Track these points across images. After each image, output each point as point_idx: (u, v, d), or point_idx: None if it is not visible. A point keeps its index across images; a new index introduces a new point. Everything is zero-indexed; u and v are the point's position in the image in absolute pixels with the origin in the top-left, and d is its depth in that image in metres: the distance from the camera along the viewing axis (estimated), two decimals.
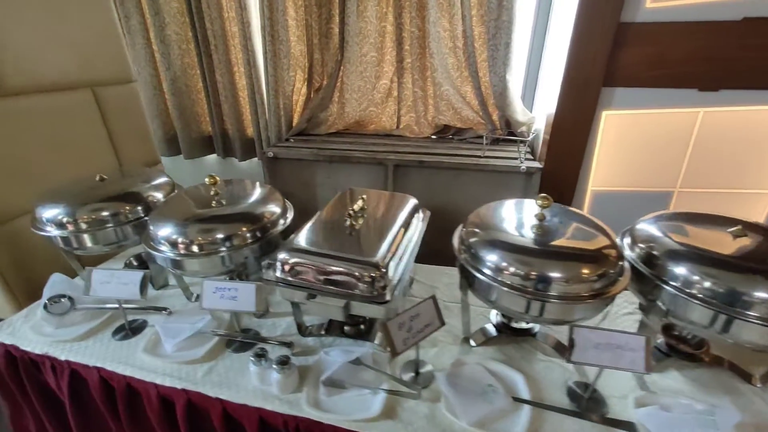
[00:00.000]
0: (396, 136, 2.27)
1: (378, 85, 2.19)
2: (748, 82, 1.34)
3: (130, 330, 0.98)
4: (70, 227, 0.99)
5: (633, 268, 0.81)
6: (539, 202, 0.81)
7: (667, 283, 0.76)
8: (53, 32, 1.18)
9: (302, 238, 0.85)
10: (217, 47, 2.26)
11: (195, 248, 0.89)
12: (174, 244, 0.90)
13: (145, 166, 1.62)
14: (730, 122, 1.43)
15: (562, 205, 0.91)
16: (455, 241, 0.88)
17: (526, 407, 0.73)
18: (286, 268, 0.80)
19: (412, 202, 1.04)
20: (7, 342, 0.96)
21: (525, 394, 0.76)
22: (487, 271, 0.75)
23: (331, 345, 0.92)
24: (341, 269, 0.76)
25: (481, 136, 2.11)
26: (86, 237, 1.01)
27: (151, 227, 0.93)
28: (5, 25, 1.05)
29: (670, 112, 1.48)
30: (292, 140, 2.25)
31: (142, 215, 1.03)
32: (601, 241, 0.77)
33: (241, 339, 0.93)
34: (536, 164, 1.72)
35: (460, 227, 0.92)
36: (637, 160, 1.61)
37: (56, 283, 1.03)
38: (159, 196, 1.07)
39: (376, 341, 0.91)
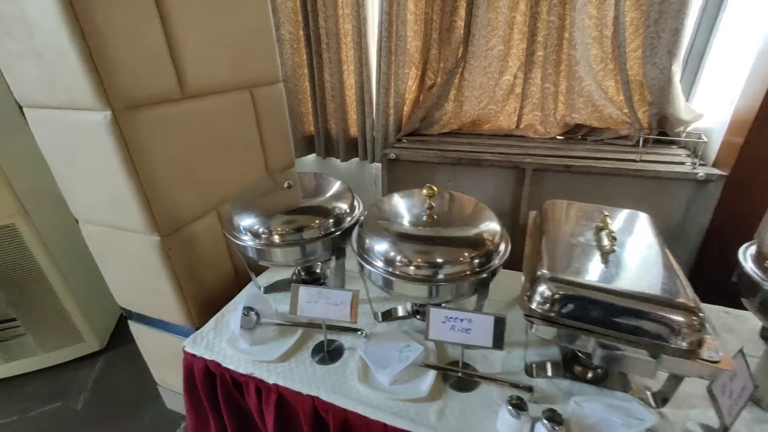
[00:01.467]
0: (517, 137, 2.09)
1: (500, 82, 2.02)
2: None
3: (328, 353, 0.91)
4: (265, 239, 0.93)
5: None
6: None
7: None
8: (220, 33, 1.15)
9: (565, 266, 0.71)
10: (329, 45, 2.21)
11: (440, 274, 0.78)
12: (391, 262, 0.80)
13: (286, 168, 1.58)
14: None
15: None
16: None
17: None
18: (562, 305, 0.67)
19: (646, 218, 0.87)
20: (207, 357, 0.92)
21: None
22: None
23: (569, 391, 0.78)
24: (647, 311, 0.61)
25: (622, 137, 1.88)
26: (278, 251, 0.95)
27: (367, 241, 0.84)
28: (184, 29, 1.01)
29: None
30: (405, 141, 2.14)
31: (333, 230, 0.95)
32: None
33: (469, 376, 0.81)
34: (716, 171, 1.47)
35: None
36: None
37: (250, 296, 0.98)
38: (344, 207, 0.99)
39: (631, 392, 0.76)
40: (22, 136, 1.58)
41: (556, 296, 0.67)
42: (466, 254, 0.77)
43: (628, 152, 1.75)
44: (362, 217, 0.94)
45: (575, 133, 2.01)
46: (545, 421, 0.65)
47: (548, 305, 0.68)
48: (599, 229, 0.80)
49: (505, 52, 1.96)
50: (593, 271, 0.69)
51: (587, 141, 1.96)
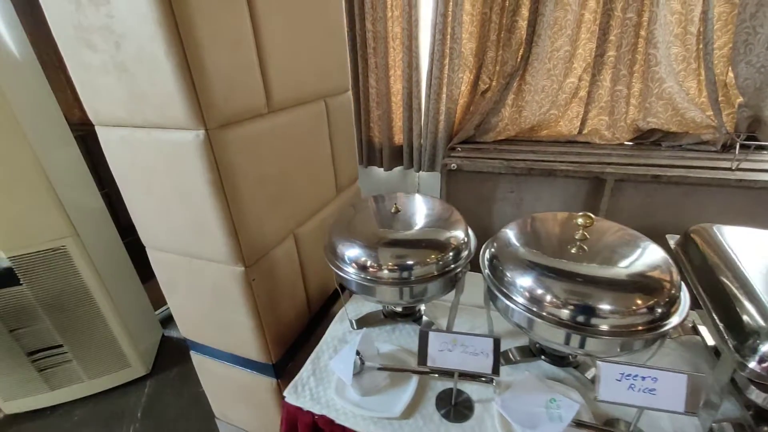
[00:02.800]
0: (581, 143, 1.96)
1: (564, 85, 1.89)
2: None
3: (455, 407, 0.78)
4: (373, 273, 0.82)
5: None
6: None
7: None
8: (302, 38, 1.04)
9: None
10: (377, 50, 2.10)
11: (606, 325, 0.66)
12: (539, 301, 0.68)
13: (351, 183, 1.47)
14: None
15: None
16: None
17: None
18: None
19: None
20: (316, 411, 0.80)
21: None
22: None
23: None
24: None
25: (704, 142, 1.74)
26: (387, 289, 0.83)
27: (507, 274, 0.72)
28: (272, 35, 0.90)
29: None
30: (459, 149, 2.02)
31: (453, 266, 0.83)
32: None
33: None
34: None
35: None
36: None
37: (352, 334, 0.86)
38: (461, 236, 0.87)
39: None
40: (69, 152, 1.51)
41: None
42: (640, 301, 0.65)
43: (715, 159, 1.61)
44: (494, 244, 0.82)
45: (646, 138, 1.88)
46: None
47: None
48: None
49: (572, 53, 1.83)
50: None
51: (661, 147, 1.82)
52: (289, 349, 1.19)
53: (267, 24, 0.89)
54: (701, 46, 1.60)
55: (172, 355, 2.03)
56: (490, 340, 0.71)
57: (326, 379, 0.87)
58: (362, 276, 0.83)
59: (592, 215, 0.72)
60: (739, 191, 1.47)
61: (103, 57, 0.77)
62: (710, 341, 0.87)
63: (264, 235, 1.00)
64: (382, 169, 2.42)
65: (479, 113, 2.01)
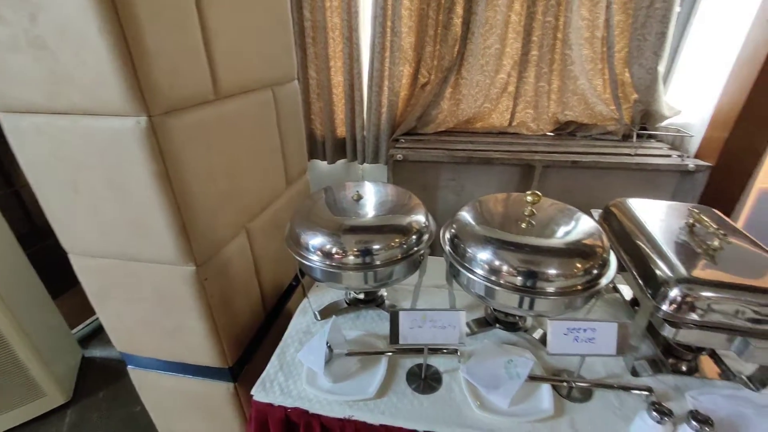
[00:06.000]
0: (510, 134, 2.15)
1: (495, 80, 2.05)
2: None
3: (424, 380, 0.82)
4: (338, 260, 0.82)
5: None
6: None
7: None
8: (248, 23, 0.99)
9: (689, 267, 0.71)
10: (316, 40, 2.06)
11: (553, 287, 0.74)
12: (496, 272, 0.75)
13: (301, 175, 1.44)
14: None
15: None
16: None
17: None
18: (699, 305, 0.67)
19: (715, 212, 0.92)
20: (289, 405, 0.78)
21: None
22: None
23: (674, 385, 0.80)
24: None
25: (608, 132, 2.02)
26: (352, 274, 0.84)
27: (468, 250, 0.78)
28: (218, 17, 0.85)
29: None
30: (403, 140, 2.08)
31: (416, 248, 0.87)
32: None
33: (584, 385, 0.79)
34: (703, 162, 1.63)
35: None
36: None
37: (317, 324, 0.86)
38: (422, 219, 0.91)
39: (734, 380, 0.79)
40: None
41: (697, 299, 0.67)
42: (579, 265, 0.75)
43: (618, 146, 1.88)
44: (454, 226, 0.87)
45: (564, 129, 2.12)
46: (693, 422, 0.65)
47: (685, 308, 0.68)
48: (691, 225, 0.83)
49: (501, 51, 1.98)
50: (715, 268, 0.71)
51: (576, 137, 2.07)
52: (245, 351, 1.14)
53: (211, 4, 0.83)
54: (605, 49, 1.85)
55: (97, 377, 1.80)
56: (457, 313, 0.76)
57: (295, 372, 0.85)
58: (328, 263, 0.83)
59: (539, 193, 0.81)
60: (637, 172, 1.74)
61: (12, 31, 0.65)
62: (627, 296, 1.03)
63: (216, 231, 0.94)
64: (325, 163, 2.39)
65: (420, 106, 2.09)
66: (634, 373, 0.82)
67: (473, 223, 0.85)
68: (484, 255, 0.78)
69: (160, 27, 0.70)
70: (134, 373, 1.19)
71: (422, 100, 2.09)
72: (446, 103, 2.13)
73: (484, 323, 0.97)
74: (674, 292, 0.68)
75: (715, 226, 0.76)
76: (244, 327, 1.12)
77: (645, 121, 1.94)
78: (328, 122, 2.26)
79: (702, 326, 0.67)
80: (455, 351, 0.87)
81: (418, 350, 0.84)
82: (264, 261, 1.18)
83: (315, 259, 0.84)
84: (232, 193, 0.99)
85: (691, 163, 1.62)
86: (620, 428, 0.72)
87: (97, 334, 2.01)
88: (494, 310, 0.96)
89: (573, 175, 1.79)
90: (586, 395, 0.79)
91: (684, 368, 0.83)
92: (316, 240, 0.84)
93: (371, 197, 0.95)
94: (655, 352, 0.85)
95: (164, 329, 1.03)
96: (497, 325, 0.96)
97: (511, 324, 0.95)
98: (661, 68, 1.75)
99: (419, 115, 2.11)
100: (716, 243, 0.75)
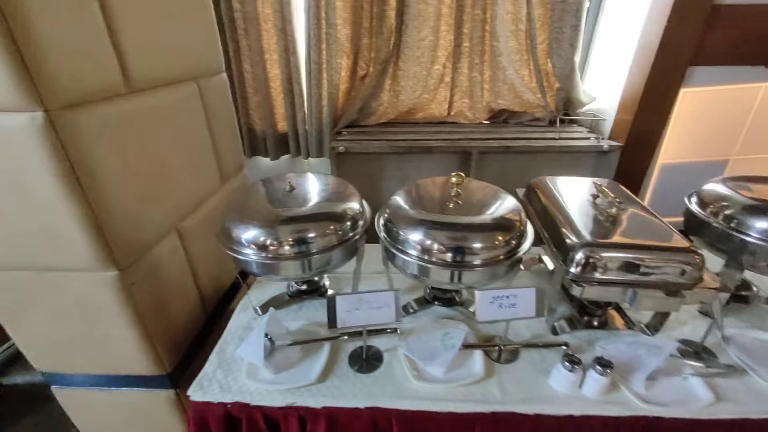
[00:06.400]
0: (450, 123, 2.23)
1: (432, 71, 2.12)
2: None
3: (366, 360, 0.85)
4: (274, 251, 0.82)
5: (707, 224, 0.88)
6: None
7: (748, 235, 0.81)
8: (161, 13, 0.94)
9: (591, 232, 0.80)
10: (248, 31, 1.99)
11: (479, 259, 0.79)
12: (428, 251, 0.80)
13: (238, 171, 1.39)
14: None
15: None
16: None
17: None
18: (603, 266, 0.75)
19: (617, 184, 1.04)
20: (229, 400, 0.77)
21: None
22: None
23: (587, 339, 0.90)
24: (668, 259, 0.74)
25: (537, 119, 2.17)
26: (290, 264, 0.84)
27: (401, 233, 0.81)
28: (120, 7, 0.81)
29: (735, 88, 1.66)
30: (345, 133, 2.09)
31: (351, 234, 0.89)
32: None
33: (511, 347, 0.86)
34: (614, 143, 1.82)
35: None
36: (699, 133, 1.79)
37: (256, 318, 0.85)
38: (356, 206, 0.93)
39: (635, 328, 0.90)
40: None
41: (597, 259, 0.76)
42: (501, 237, 0.81)
43: (545, 131, 2.03)
44: (387, 210, 0.90)
45: (498, 117, 2.24)
46: (597, 367, 0.74)
47: (589, 268, 0.76)
48: (595, 196, 0.93)
49: (435, 43, 2.04)
50: (612, 232, 0.81)
51: (509, 124, 2.20)
52: (185, 355, 1.09)
53: None
54: (529, 41, 1.98)
55: (17, 405, 1.63)
56: (391, 293, 0.79)
57: (235, 368, 0.84)
58: (263, 255, 0.82)
59: (463, 174, 0.86)
60: (562, 154, 1.89)
61: None
62: (551, 267, 1.13)
63: (140, 232, 0.89)
64: (268, 159, 2.33)
65: (360, 98, 2.10)
66: (554, 331, 0.91)
67: (405, 206, 0.89)
68: (415, 236, 0.82)
69: (51, 10, 0.64)
70: (61, 394, 1.10)
71: (362, 92, 2.10)
72: (386, 94, 2.16)
73: (423, 302, 1.02)
74: (579, 256, 0.77)
75: (612, 196, 0.86)
76: (182, 331, 1.08)
77: (567, 108, 2.12)
78: (268, 117, 2.20)
79: (602, 283, 0.77)
80: (395, 330, 0.91)
81: (360, 334, 0.86)
82: (201, 261, 1.14)
83: (249, 253, 0.83)
84: (158, 192, 0.94)
85: (605, 144, 1.80)
86: (542, 381, 0.80)
87: (18, 358, 1.81)
88: (431, 288, 1.00)
89: (507, 160, 1.91)
90: (513, 356, 0.86)
91: (596, 323, 0.93)
92: (248, 233, 0.83)
93: (305, 187, 0.95)
94: (572, 312, 0.95)
95: (92, 341, 0.96)
96: (436, 303, 1.01)
97: (448, 300, 1.00)
98: (577, 58, 1.91)
99: (360, 108, 2.13)
100: (614, 211, 0.84)
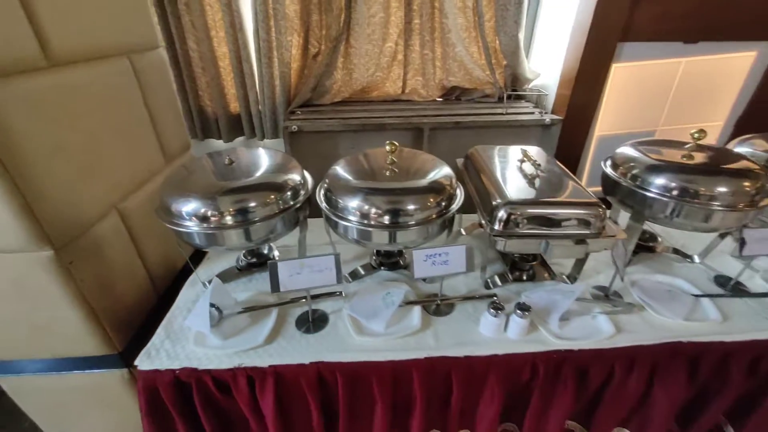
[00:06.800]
0: (405, 101, 2.27)
1: (384, 49, 2.13)
2: (723, 35, 1.72)
3: (313, 322, 0.90)
4: (216, 221, 0.84)
5: (618, 183, 1.00)
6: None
7: (648, 190, 0.92)
8: None
9: (513, 192, 0.88)
10: (190, 6, 1.91)
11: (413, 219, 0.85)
12: (366, 215, 0.85)
13: (183, 151, 1.37)
14: (702, 69, 1.82)
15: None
16: None
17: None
18: (521, 221, 0.83)
19: (541, 150, 1.13)
20: (176, 367, 0.79)
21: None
22: None
23: (517, 291, 0.99)
24: (576, 213, 0.83)
25: (487, 95, 2.25)
26: (233, 233, 0.86)
27: (340, 201, 0.85)
28: None
29: (660, 63, 1.80)
30: (299, 112, 2.08)
31: (292, 203, 0.92)
32: None
33: (447, 302, 0.93)
34: (556, 116, 1.93)
35: None
36: (630, 106, 1.94)
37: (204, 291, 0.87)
38: (297, 177, 0.95)
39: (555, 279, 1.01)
40: None
41: (513, 215, 0.84)
42: (432, 199, 0.87)
43: (494, 107, 2.11)
44: (326, 181, 0.93)
45: (451, 94, 2.30)
46: (518, 311, 0.83)
47: (508, 224, 0.84)
48: (521, 162, 1.01)
49: (386, 20, 2.05)
50: (531, 192, 0.89)
51: (461, 101, 2.27)
52: (138, 334, 1.09)
53: None
54: (476, 18, 2.03)
55: None
56: (331, 256, 0.84)
57: (183, 337, 0.87)
58: (205, 226, 0.84)
59: (396, 143, 0.91)
60: (509, 129, 1.98)
61: None
62: None
63: (76, 211, 0.88)
64: (221, 141, 2.28)
65: (313, 76, 2.09)
66: (487, 286, 1.00)
67: (345, 176, 0.93)
68: (353, 203, 0.87)
69: None
70: (7, 382, 1.07)
71: (315, 70, 2.09)
72: (339, 73, 2.15)
73: (370, 268, 1.08)
74: (500, 213, 0.84)
75: (534, 160, 0.95)
76: (131, 309, 1.08)
77: (515, 84, 2.20)
78: (218, 97, 2.14)
79: (520, 236, 0.85)
80: (341, 294, 0.96)
81: (305, 298, 0.91)
82: (148, 240, 1.13)
83: (190, 225, 0.84)
84: (94, 169, 0.92)
85: (547, 118, 1.90)
86: (472, 328, 0.88)
87: None
88: (377, 254, 1.06)
89: (457, 135, 1.98)
90: (449, 309, 0.94)
91: (524, 277, 1.03)
92: (189, 206, 0.84)
93: (248, 161, 0.97)
94: (504, 268, 1.04)
95: (34, 325, 0.95)
96: (382, 268, 1.07)
97: (392, 264, 1.07)
98: (521, 36, 1.98)
99: (313, 86, 2.12)
100: (534, 172, 0.93)
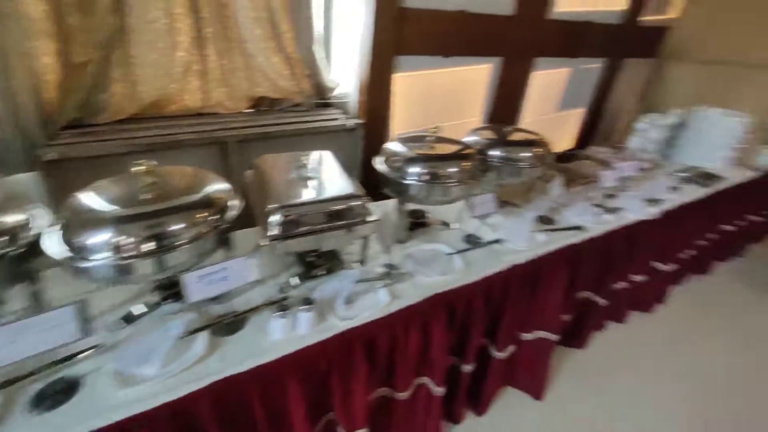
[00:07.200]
0: (208, 114, 2.11)
1: (175, 58, 1.94)
2: (467, 51, 2.19)
3: (57, 393, 0.71)
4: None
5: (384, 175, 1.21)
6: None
7: (405, 179, 1.12)
8: None
9: (284, 196, 0.89)
10: None
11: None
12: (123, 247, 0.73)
13: None
14: (460, 77, 2.29)
15: None
16: None
17: None
18: (291, 223, 0.85)
19: (329, 153, 1.21)
20: None
21: None
22: None
23: (313, 287, 1.03)
24: (340, 206, 0.90)
25: (297, 104, 2.30)
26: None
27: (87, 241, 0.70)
28: None
29: (429, 72, 2.19)
30: (67, 135, 1.69)
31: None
32: None
33: (236, 317, 0.88)
34: (358, 121, 2.12)
35: None
36: (416, 109, 2.29)
37: None
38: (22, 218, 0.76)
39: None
40: None
41: (286, 218, 0.86)
42: (199, 216, 0.81)
43: (304, 116, 2.17)
44: (63, 223, 0.76)
45: (260, 105, 2.26)
46: (302, 306, 0.86)
47: (283, 227, 0.86)
48: (299, 167, 1.05)
49: (170, 26, 1.86)
50: (304, 193, 0.93)
51: (272, 111, 2.26)
52: None
53: None
54: (274, 29, 2.03)
55: None
56: (67, 308, 0.69)
57: None
58: None
59: (147, 162, 0.81)
60: (318, 135, 2.07)
61: None
62: None
63: None
64: None
65: (79, 90, 1.73)
66: (281, 291, 1.00)
67: (93, 208, 0.78)
68: (103, 237, 0.73)
69: None
70: None
71: (80, 83, 1.73)
72: (118, 85, 1.85)
73: (151, 305, 0.94)
74: (274, 217, 0.86)
75: (307, 165, 1.00)
76: None
77: (322, 93, 2.32)
78: None
79: (295, 236, 0.88)
80: (95, 347, 0.80)
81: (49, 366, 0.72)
82: None
83: None
84: None
85: (349, 123, 2.06)
86: (262, 338, 0.86)
87: None
88: (155, 289, 0.94)
89: (268, 147, 1.95)
90: (240, 325, 0.90)
91: (323, 273, 1.08)
92: None
93: None
94: (302, 269, 1.07)
95: None
96: (165, 302, 0.95)
97: (176, 294, 0.96)
98: (316, 47, 2.09)
99: (82, 102, 1.75)
100: (309, 175, 0.98)
